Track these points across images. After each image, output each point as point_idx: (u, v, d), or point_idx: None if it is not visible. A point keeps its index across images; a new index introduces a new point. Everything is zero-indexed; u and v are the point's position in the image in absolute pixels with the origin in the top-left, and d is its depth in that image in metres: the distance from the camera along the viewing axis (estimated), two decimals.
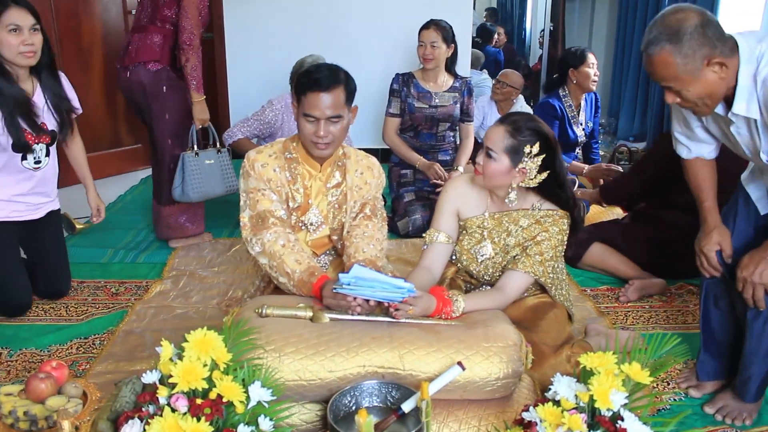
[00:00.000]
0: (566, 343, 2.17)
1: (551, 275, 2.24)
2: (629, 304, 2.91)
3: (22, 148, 2.57)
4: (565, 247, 2.26)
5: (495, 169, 2.13)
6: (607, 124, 6.24)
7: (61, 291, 2.89)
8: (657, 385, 2.29)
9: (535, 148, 2.09)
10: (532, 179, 2.13)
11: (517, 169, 2.12)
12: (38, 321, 2.71)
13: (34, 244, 2.80)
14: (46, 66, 2.62)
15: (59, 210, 2.91)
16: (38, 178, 2.70)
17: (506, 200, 2.20)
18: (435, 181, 3.71)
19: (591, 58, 3.84)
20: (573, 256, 3.20)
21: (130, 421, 1.54)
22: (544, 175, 2.13)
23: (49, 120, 2.67)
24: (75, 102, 2.82)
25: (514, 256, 2.24)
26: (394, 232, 3.66)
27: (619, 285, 3.06)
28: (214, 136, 3.38)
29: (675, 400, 2.23)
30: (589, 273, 3.19)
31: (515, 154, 2.10)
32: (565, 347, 2.14)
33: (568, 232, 2.23)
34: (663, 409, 2.18)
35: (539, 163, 2.11)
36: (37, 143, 2.63)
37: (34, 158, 2.64)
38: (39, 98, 2.63)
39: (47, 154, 2.69)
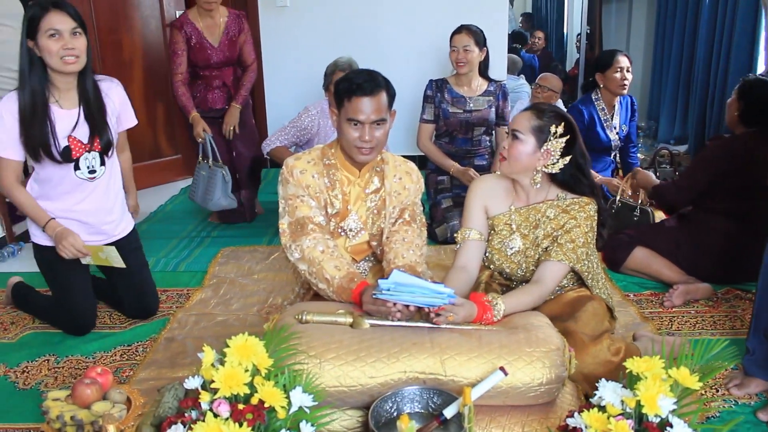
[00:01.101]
0: (605, 332, 2.15)
1: (585, 262, 2.23)
2: (674, 310, 2.84)
3: (68, 157, 2.49)
4: (595, 233, 2.25)
5: (521, 151, 2.16)
6: (647, 127, 6.14)
7: (149, 309, 2.85)
8: (705, 391, 2.22)
9: (560, 129, 2.14)
10: (554, 164, 2.16)
11: (542, 150, 2.15)
12: None
13: (116, 267, 2.71)
14: (89, 73, 2.51)
15: (135, 229, 2.86)
16: (96, 190, 2.62)
17: (532, 183, 2.21)
18: None
19: (621, 62, 3.71)
20: (616, 260, 3.15)
21: (173, 427, 1.56)
22: (567, 159, 2.16)
23: (99, 129, 2.57)
24: (126, 114, 2.74)
25: (546, 248, 2.23)
26: (432, 238, 3.65)
27: (663, 290, 2.99)
28: (213, 152, 3.73)
29: (725, 407, 2.16)
30: (632, 278, 3.13)
31: (541, 134, 2.15)
32: (605, 335, 2.11)
33: (596, 217, 2.23)
34: (712, 416, 2.11)
35: (563, 144, 2.15)
36: (89, 151, 2.53)
37: (88, 167, 2.55)
38: (85, 107, 2.54)
39: (102, 163, 2.60)
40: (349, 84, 2.16)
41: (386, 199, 2.31)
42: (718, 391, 2.24)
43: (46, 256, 2.63)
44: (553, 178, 2.21)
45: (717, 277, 2.99)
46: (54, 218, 2.54)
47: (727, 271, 2.98)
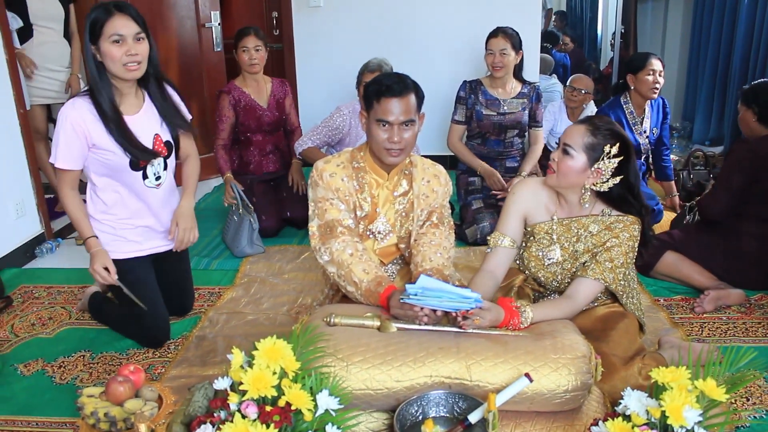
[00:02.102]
0: (637, 354, 2.11)
1: (622, 282, 2.19)
2: (705, 315, 2.80)
3: (137, 165, 2.44)
4: (636, 254, 2.21)
5: (570, 167, 2.11)
6: (681, 127, 6.05)
7: (185, 308, 2.87)
8: (735, 401, 2.19)
9: (615, 149, 2.08)
10: (604, 182, 2.11)
11: (592, 169, 2.10)
12: None
13: (163, 266, 2.73)
14: (153, 76, 2.44)
15: None
16: (162, 197, 2.59)
17: (581, 202, 2.17)
18: (495, 192, 3.69)
19: (654, 65, 3.64)
20: (645, 264, 3.11)
21: (202, 426, 1.59)
22: (617, 180, 2.11)
23: (163, 132, 2.53)
24: (184, 112, 2.64)
25: (584, 263, 2.20)
26: (462, 240, 3.66)
27: (693, 295, 2.96)
28: (242, 200, 3.65)
29: (755, 417, 2.13)
30: (663, 282, 3.10)
31: (593, 152, 2.09)
32: (636, 359, 2.08)
33: (638, 238, 2.18)
34: (742, 426, 2.08)
35: (615, 165, 2.09)
36: (155, 157, 2.49)
37: (154, 174, 2.51)
38: (149, 110, 2.49)
39: (165, 168, 2.56)
40: (378, 86, 2.18)
41: (414, 201, 2.32)
42: (748, 400, 2.21)
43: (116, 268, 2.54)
44: (600, 194, 2.17)
45: (750, 283, 2.95)
46: (96, 236, 2.48)
47: (762, 277, 2.94)
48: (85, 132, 2.34)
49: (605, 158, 2.09)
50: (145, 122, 2.48)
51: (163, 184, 2.57)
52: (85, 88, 2.41)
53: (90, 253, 2.47)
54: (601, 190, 2.13)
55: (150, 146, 2.47)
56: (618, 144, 2.09)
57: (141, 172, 2.47)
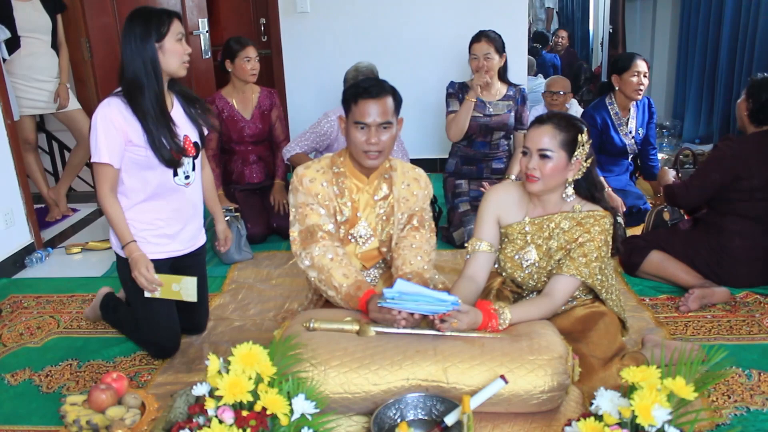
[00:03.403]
0: (617, 354, 2.13)
1: (599, 277, 2.21)
2: (690, 314, 2.81)
3: (170, 162, 2.43)
4: (610, 247, 2.23)
5: (555, 168, 2.14)
6: (671, 126, 6.07)
7: (199, 326, 2.79)
8: (716, 399, 2.21)
9: (585, 135, 2.15)
10: (581, 169, 2.18)
11: (572, 162, 2.15)
12: (105, 334, 2.83)
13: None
14: (181, 78, 2.52)
15: (205, 244, 2.78)
16: (187, 197, 2.57)
17: (564, 196, 2.21)
18: (484, 190, 3.69)
19: (639, 66, 3.66)
20: (631, 263, 3.13)
21: None
22: (589, 162, 2.18)
23: (191, 132, 2.55)
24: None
25: (558, 260, 2.22)
26: (450, 242, 3.68)
27: (679, 294, 2.96)
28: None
29: (736, 415, 2.14)
30: (648, 281, 3.11)
31: (570, 146, 2.13)
32: (615, 360, 2.10)
33: (611, 231, 2.21)
34: (723, 424, 2.09)
35: (587, 149, 2.16)
36: (185, 156, 2.50)
37: (184, 173, 2.52)
38: (179, 110, 2.53)
39: (193, 168, 2.57)
40: (356, 89, 2.22)
41: (395, 205, 2.34)
42: (730, 397, 2.22)
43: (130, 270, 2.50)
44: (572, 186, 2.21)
45: (735, 281, 2.96)
46: (135, 241, 2.44)
47: (747, 274, 2.95)
48: (123, 128, 2.36)
49: (580, 147, 2.14)
50: (178, 121, 2.51)
51: (192, 183, 2.57)
52: (117, 90, 2.44)
53: (131, 257, 2.42)
54: (580, 177, 2.19)
55: (182, 145, 2.49)
56: (586, 129, 2.15)
57: (172, 170, 2.48)
